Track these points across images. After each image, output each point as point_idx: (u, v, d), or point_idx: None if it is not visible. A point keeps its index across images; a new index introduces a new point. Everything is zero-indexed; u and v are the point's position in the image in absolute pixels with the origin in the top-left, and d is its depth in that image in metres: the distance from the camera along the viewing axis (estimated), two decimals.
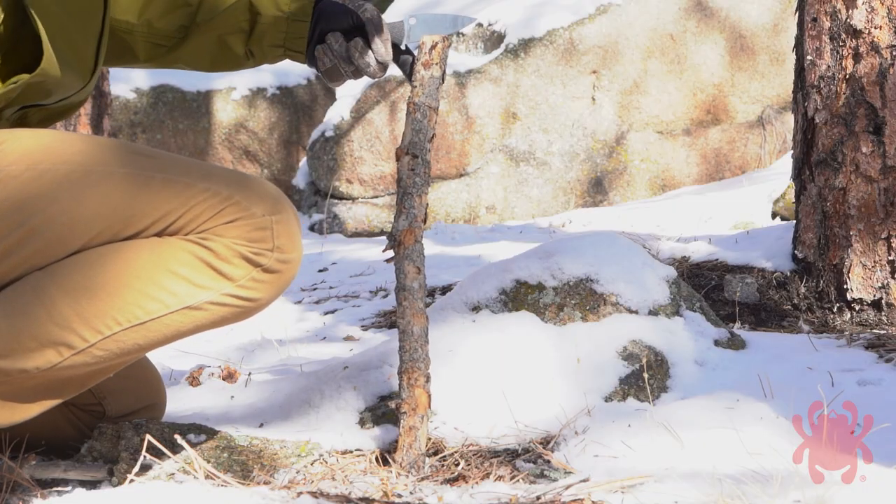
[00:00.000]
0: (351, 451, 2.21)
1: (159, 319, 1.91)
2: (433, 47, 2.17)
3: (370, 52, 2.17)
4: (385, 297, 3.97)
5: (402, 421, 2.12)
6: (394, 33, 2.22)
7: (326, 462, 2.15)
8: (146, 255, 1.90)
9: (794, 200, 3.41)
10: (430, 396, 2.13)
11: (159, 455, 2.07)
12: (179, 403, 2.54)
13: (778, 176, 6.54)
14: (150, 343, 1.93)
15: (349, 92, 7.32)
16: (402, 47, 2.23)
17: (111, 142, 1.98)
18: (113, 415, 2.27)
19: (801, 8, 3.33)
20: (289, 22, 2.21)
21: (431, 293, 3.85)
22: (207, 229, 1.91)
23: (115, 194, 1.90)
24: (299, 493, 1.98)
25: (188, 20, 2.25)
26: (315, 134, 7.51)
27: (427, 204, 2.17)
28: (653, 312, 2.52)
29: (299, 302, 4.10)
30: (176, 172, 1.93)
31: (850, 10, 3.17)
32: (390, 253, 2.17)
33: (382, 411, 2.25)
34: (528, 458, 2.16)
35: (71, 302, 1.88)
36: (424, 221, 2.16)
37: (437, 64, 2.17)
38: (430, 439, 2.21)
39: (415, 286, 2.14)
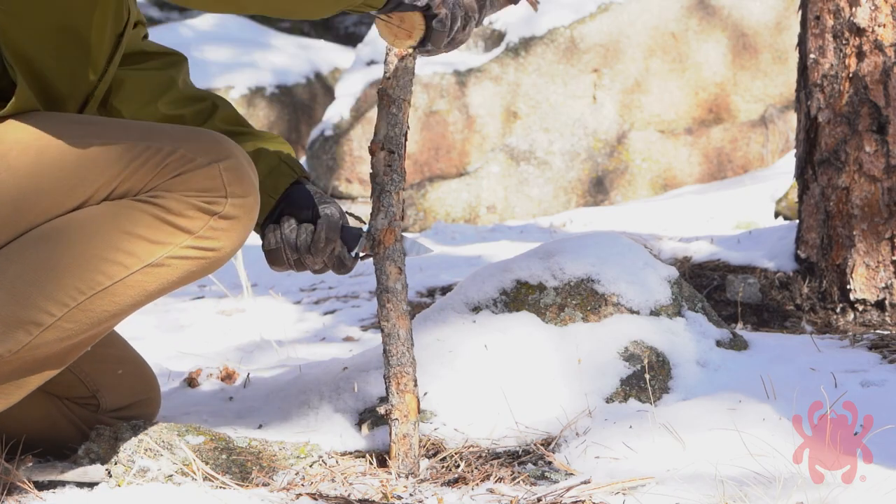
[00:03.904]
0: (350, 453, 2.21)
1: (122, 282, 1.89)
2: None
3: (313, 242, 2.14)
4: None
5: (393, 429, 2.10)
6: (349, 238, 2.16)
7: (326, 464, 2.14)
8: (98, 220, 1.88)
9: (796, 200, 3.40)
10: (419, 401, 2.11)
11: (157, 456, 2.06)
12: (178, 404, 2.53)
13: (780, 175, 6.52)
14: (120, 308, 1.91)
15: (349, 91, 7.30)
16: (352, 254, 2.17)
17: (44, 115, 1.96)
18: (108, 408, 2.26)
19: (804, 6, 3.32)
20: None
21: (431, 293, 3.83)
22: (155, 186, 1.90)
23: (54, 167, 1.89)
24: (298, 495, 1.98)
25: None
26: (314, 133, 7.48)
27: (404, 200, 2.13)
28: (654, 313, 2.50)
29: (298, 302, 4.09)
30: (114, 136, 1.92)
31: (854, 8, 3.15)
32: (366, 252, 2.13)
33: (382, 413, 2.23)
34: (529, 460, 2.15)
35: (30, 279, 1.87)
36: (402, 219, 2.13)
37: (410, 55, 2.10)
38: (429, 440, 2.21)
39: (398, 287, 2.12)
